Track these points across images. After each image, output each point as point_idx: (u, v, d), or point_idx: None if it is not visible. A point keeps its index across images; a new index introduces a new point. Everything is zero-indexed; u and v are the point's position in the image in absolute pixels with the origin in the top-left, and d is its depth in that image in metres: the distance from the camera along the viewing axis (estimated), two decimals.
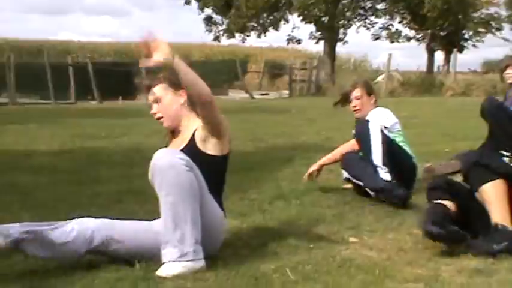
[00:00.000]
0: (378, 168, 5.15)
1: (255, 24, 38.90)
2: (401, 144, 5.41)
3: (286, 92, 28.08)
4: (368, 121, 5.28)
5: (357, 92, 5.62)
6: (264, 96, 27.06)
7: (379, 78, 26.76)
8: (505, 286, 3.09)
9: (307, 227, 4.20)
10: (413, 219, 4.43)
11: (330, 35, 35.69)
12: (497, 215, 3.68)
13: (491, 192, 3.72)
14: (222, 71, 32.32)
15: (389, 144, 5.22)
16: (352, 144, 5.48)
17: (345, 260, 3.52)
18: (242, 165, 6.72)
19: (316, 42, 37.97)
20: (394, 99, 19.48)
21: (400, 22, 41.93)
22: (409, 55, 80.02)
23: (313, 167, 5.62)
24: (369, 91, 5.64)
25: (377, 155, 5.17)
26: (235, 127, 10.17)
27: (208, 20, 40.40)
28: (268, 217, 4.59)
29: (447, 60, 42.17)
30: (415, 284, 3.14)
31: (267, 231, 4.17)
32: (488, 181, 3.72)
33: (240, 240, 3.92)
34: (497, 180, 3.72)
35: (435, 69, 38.98)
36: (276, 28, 39.51)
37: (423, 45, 42.29)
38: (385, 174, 5.14)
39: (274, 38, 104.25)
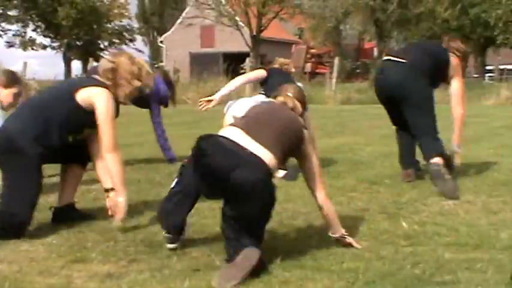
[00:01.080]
0: None
1: None
2: None
3: None
4: None
5: None
6: None
7: None
8: (135, 287, 3.18)
9: None
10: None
11: None
12: None
13: None
14: None
15: None
16: None
17: None
18: None
19: None
20: None
21: (34, 30, 41.19)
22: (46, 63, 79.09)
23: None
24: None
25: None
26: None
27: None
28: None
29: (85, 69, 42.57)
30: None
31: None
32: None
33: None
34: None
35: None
36: None
37: (60, 54, 42.09)
38: None
39: None
